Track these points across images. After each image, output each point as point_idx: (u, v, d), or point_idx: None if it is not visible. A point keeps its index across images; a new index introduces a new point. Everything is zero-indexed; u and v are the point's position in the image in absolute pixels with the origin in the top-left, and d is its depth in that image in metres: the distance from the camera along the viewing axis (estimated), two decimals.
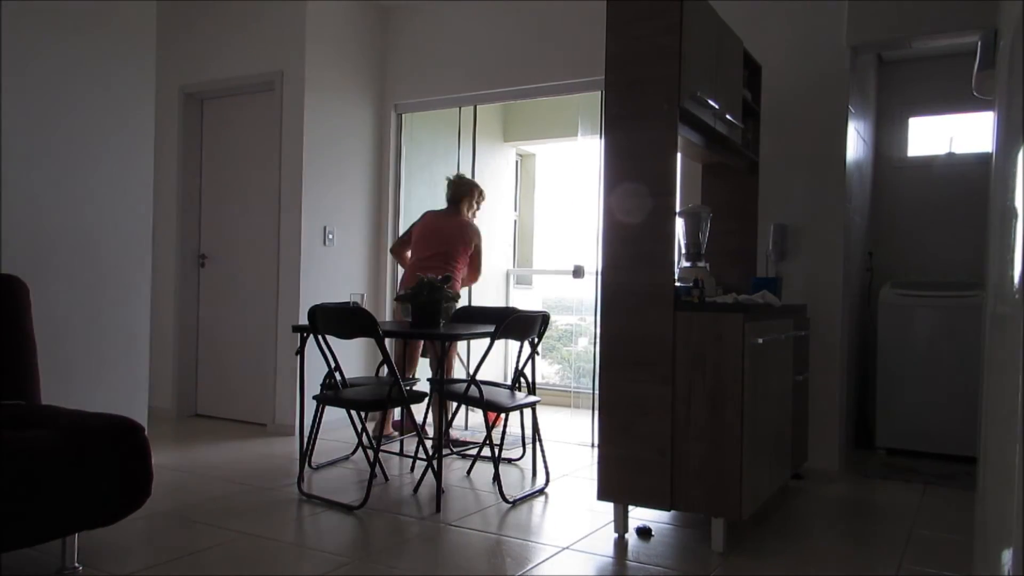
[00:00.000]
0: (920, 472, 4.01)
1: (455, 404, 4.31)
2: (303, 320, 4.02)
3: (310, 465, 3.78)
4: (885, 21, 3.84)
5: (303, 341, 3.44)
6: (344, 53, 5.05)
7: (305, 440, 3.56)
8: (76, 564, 2.39)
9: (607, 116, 2.92)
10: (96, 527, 2.32)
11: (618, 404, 2.85)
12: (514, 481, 3.71)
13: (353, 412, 3.69)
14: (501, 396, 3.58)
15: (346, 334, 3.30)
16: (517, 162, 7.04)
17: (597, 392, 3.09)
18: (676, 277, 2.84)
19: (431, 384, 3.71)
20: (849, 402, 4.24)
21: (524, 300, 6.71)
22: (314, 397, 3.45)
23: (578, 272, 5.05)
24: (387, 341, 3.96)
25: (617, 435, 2.85)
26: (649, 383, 2.79)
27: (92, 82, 3.36)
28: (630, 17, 2.85)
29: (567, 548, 2.76)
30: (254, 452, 4.21)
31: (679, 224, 3.30)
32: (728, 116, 3.26)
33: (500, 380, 5.43)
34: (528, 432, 4.35)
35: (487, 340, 3.34)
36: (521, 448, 4.21)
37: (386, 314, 5.34)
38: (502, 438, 4.08)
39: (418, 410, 4.17)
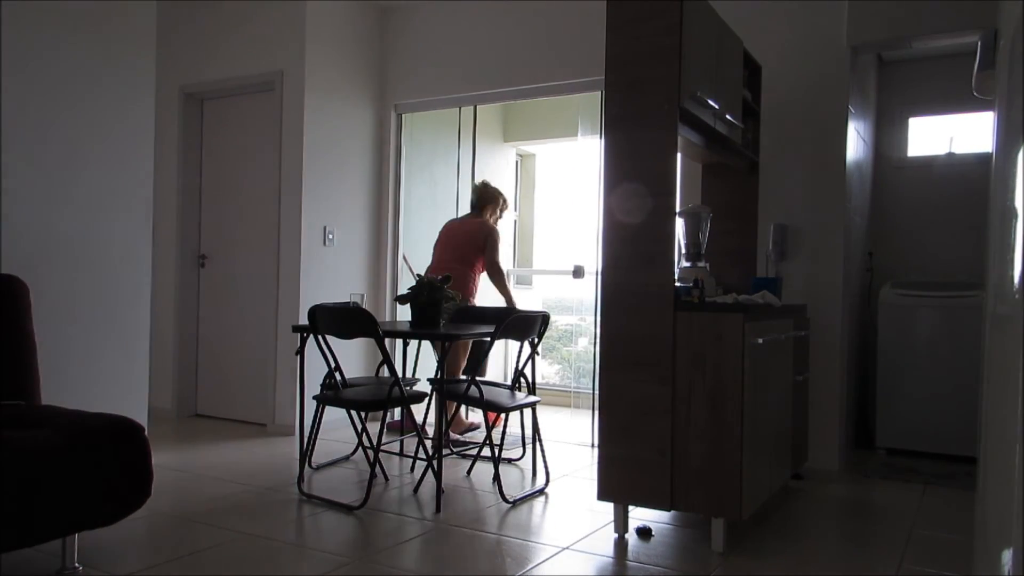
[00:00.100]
0: (920, 472, 4.01)
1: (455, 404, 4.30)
2: (303, 320, 4.02)
3: (310, 465, 3.78)
4: (885, 21, 3.84)
5: (303, 341, 3.44)
6: (344, 53, 5.05)
7: (305, 440, 3.56)
8: (76, 564, 2.39)
9: (607, 116, 2.92)
10: (96, 527, 2.32)
11: (618, 404, 2.85)
12: (514, 481, 3.71)
13: (353, 412, 3.69)
14: (501, 396, 3.58)
15: (346, 334, 3.30)
16: (517, 162, 7.04)
17: (597, 392, 3.10)
18: (676, 277, 2.84)
19: (432, 384, 3.71)
20: (849, 402, 4.24)
21: (524, 300, 6.71)
22: (314, 397, 3.45)
23: (578, 272, 5.05)
24: (388, 341, 3.96)
25: (617, 435, 2.85)
26: (649, 383, 2.79)
27: (92, 82, 3.36)
28: (630, 17, 2.85)
29: (567, 548, 2.76)
30: (254, 452, 4.21)
31: (679, 224, 3.30)
32: (728, 116, 3.26)
33: (500, 380, 5.43)
34: (528, 432, 4.36)
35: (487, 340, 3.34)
36: (521, 448, 4.21)
37: (386, 314, 5.34)
38: (502, 438, 4.08)
39: (418, 410, 4.17)
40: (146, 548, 2.68)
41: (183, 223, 5.18)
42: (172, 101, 5.19)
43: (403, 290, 5.18)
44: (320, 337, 3.31)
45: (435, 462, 3.35)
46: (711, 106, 3.05)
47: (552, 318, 4.36)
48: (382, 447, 3.59)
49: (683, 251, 3.42)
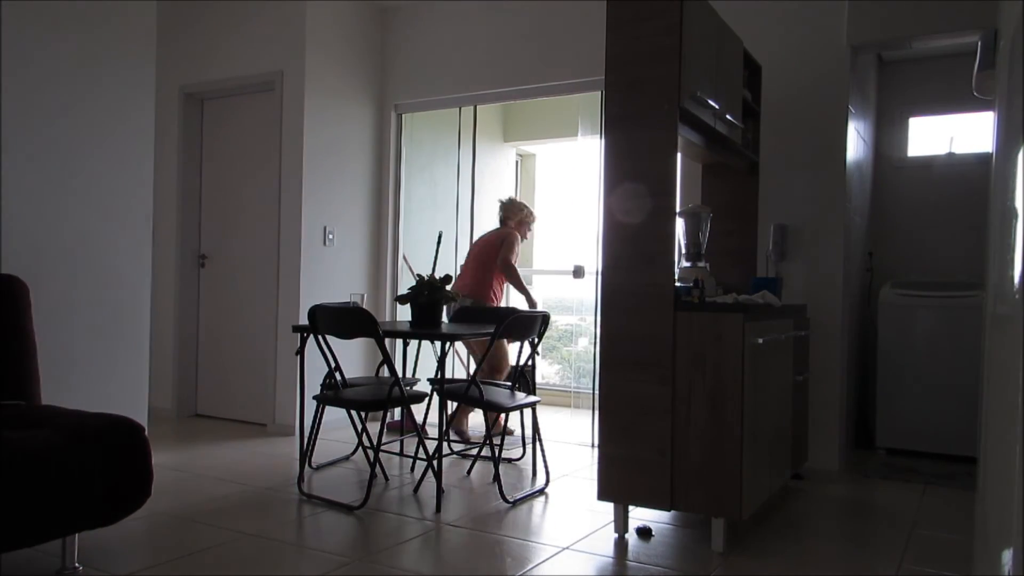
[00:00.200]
0: (920, 472, 4.01)
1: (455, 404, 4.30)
2: (303, 320, 4.02)
3: (310, 465, 3.78)
4: (885, 21, 3.84)
5: (303, 341, 3.44)
6: (344, 53, 5.05)
7: (305, 440, 3.56)
8: (76, 564, 2.39)
9: (607, 116, 2.92)
10: (96, 527, 2.32)
11: (618, 404, 2.85)
12: (514, 481, 3.71)
13: (353, 412, 3.69)
14: (501, 396, 3.58)
15: (346, 334, 3.30)
16: (517, 162, 7.04)
17: (597, 392, 3.09)
18: (676, 277, 2.84)
19: (432, 384, 3.71)
20: (849, 402, 4.24)
21: (524, 300, 6.69)
22: (314, 397, 3.45)
23: (578, 272, 5.05)
24: (388, 341, 3.96)
25: (617, 435, 2.85)
26: (649, 383, 2.79)
27: (92, 82, 3.36)
28: (630, 17, 2.85)
29: (567, 548, 2.76)
30: (254, 452, 4.21)
31: (679, 224, 3.30)
32: (728, 116, 3.26)
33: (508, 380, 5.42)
34: (528, 432, 4.35)
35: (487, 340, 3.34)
36: (521, 448, 4.21)
37: (386, 314, 5.34)
38: (502, 438, 4.09)
39: (418, 410, 4.16)
40: (146, 548, 2.68)
41: (183, 223, 5.18)
42: (172, 101, 5.19)
43: (403, 290, 5.18)
44: (320, 337, 3.31)
45: (435, 462, 3.35)
46: (711, 106, 3.04)
47: (552, 318, 4.36)
48: (382, 447, 3.59)
49: (683, 251, 3.42)
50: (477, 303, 4.46)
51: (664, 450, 2.76)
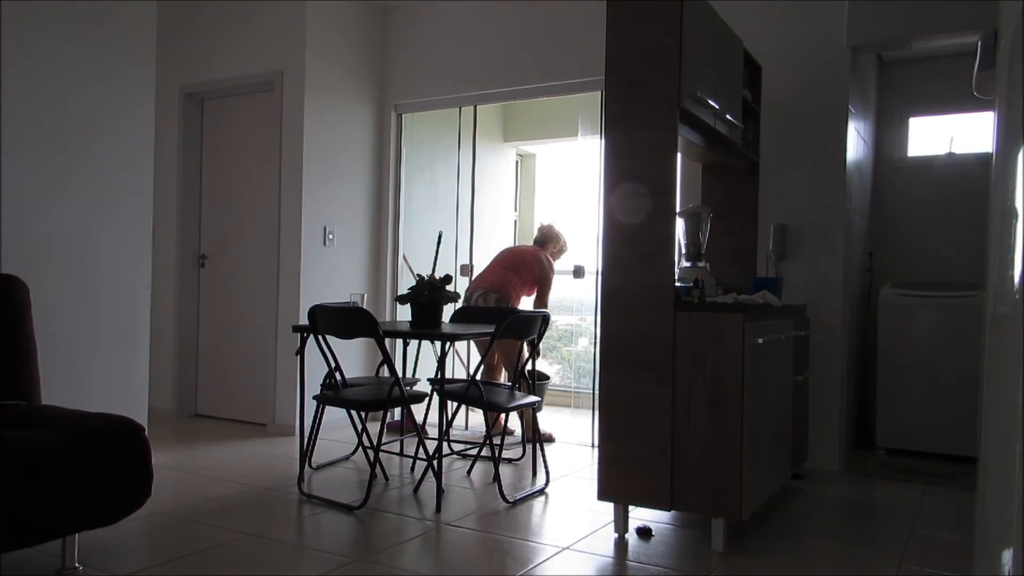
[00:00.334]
0: (920, 472, 4.01)
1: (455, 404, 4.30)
2: (303, 320, 4.02)
3: (310, 465, 3.78)
4: (885, 21, 3.84)
5: (303, 341, 3.44)
6: (344, 53, 5.05)
7: (305, 440, 3.56)
8: (76, 564, 2.39)
9: (607, 116, 2.92)
10: (96, 527, 2.32)
11: (618, 404, 2.85)
12: (514, 481, 3.71)
13: (353, 412, 3.69)
14: (501, 396, 3.58)
15: (346, 334, 3.30)
16: (517, 162, 7.04)
17: (597, 392, 3.09)
18: (676, 277, 2.84)
19: (432, 384, 3.71)
20: (849, 402, 4.24)
21: (524, 300, 6.70)
22: (314, 397, 3.45)
23: (578, 272, 5.05)
24: (388, 341, 3.96)
25: (617, 435, 2.85)
26: (649, 383, 2.79)
27: (92, 82, 3.36)
28: (630, 17, 2.85)
29: (567, 548, 2.76)
30: (254, 452, 4.21)
31: (679, 224, 3.30)
32: (728, 116, 3.26)
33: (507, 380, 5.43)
34: (528, 432, 4.35)
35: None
36: (521, 448, 4.21)
37: (386, 314, 5.34)
38: (502, 438, 4.09)
39: (418, 410, 4.16)
40: (146, 548, 2.69)
41: (183, 223, 5.18)
42: (172, 101, 5.19)
43: (403, 290, 5.18)
44: (320, 337, 3.31)
45: (435, 462, 3.35)
46: (711, 106, 3.04)
47: (552, 318, 4.36)
48: (382, 447, 3.59)
49: (683, 251, 3.42)
50: (501, 300, 4.46)
51: (664, 450, 2.76)
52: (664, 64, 2.78)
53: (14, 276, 2.82)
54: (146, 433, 2.43)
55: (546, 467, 3.69)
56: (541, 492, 3.52)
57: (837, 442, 3.95)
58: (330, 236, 4.93)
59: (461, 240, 5.43)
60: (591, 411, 4.72)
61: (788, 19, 4.08)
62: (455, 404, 4.04)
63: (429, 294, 3.45)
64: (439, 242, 5.05)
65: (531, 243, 4.94)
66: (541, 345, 3.81)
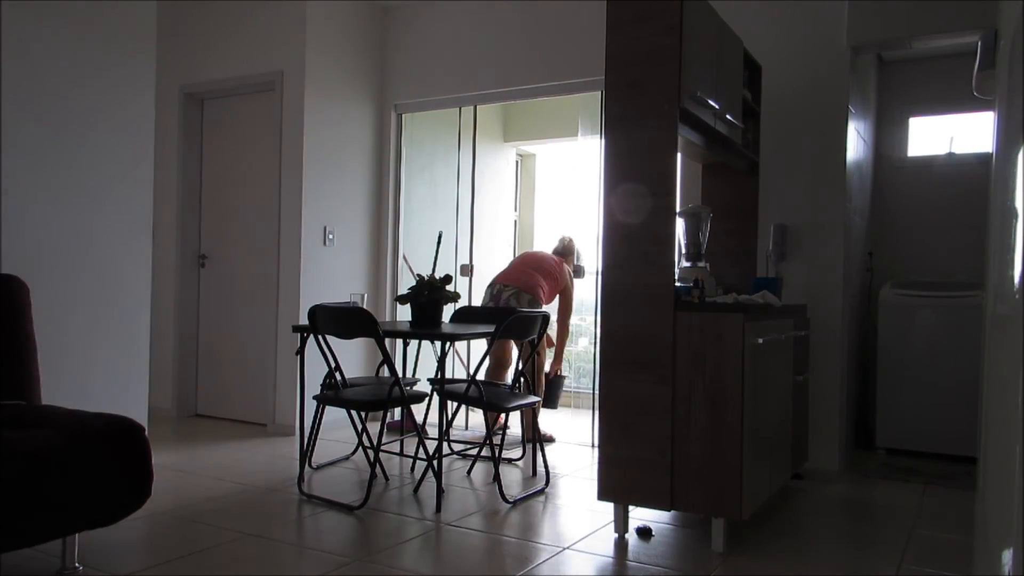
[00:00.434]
0: (920, 472, 4.01)
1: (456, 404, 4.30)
2: (303, 320, 4.02)
3: (310, 465, 3.78)
4: (885, 21, 3.84)
5: (303, 341, 3.44)
6: (344, 53, 5.05)
7: (305, 440, 3.56)
8: (76, 564, 2.39)
9: (607, 116, 2.92)
10: (96, 527, 2.32)
11: (618, 404, 2.85)
12: (514, 481, 3.71)
13: (353, 412, 3.69)
14: (501, 396, 3.58)
15: (346, 334, 3.30)
16: (517, 162, 7.04)
17: (597, 392, 3.09)
18: (676, 277, 2.84)
19: (432, 384, 3.71)
20: (849, 402, 4.24)
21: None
22: (314, 397, 3.45)
23: (578, 272, 5.05)
24: (388, 341, 3.97)
25: (617, 435, 2.85)
26: (649, 383, 2.79)
27: (92, 81, 3.35)
28: (630, 17, 2.85)
29: (567, 548, 2.76)
30: (254, 452, 4.21)
31: (679, 224, 3.30)
32: (728, 116, 3.26)
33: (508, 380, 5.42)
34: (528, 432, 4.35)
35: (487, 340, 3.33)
36: (521, 448, 4.21)
37: (386, 314, 5.34)
38: (502, 438, 4.09)
39: (418, 410, 4.17)
40: (146, 548, 2.69)
41: (183, 223, 5.18)
42: (172, 101, 5.19)
43: (403, 290, 5.19)
44: (320, 337, 3.31)
45: (435, 462, 3.35)
46: (711, 106, 3.04)
47: (552, 318, 4.36)
48: (382, 447, 3.59)
49: (683, 251, 3.42)
50: (533, 303, 4.47)
51: (664, 450, 2.76)
52: (664, 64, 2.78)
53: (14, 276, 2.82)
54: (146, 433, 2.43)
55: (546, 467, 3.69)
56: (541, 492, 3.52)
57: (837, 442, 3.95)
58: (330, 236, 4.93)
59: (461, 240, 5.43)
60: (591, 411, 4.72)
61: (788, 19, 4.08)
62: (455, 404, 4.05)
63: (429, 294, 3.45)
64: (439, 242, 5.05)
65: (549, 251, 4.99)
66: (544, 344, 3.82)
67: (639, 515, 3.14)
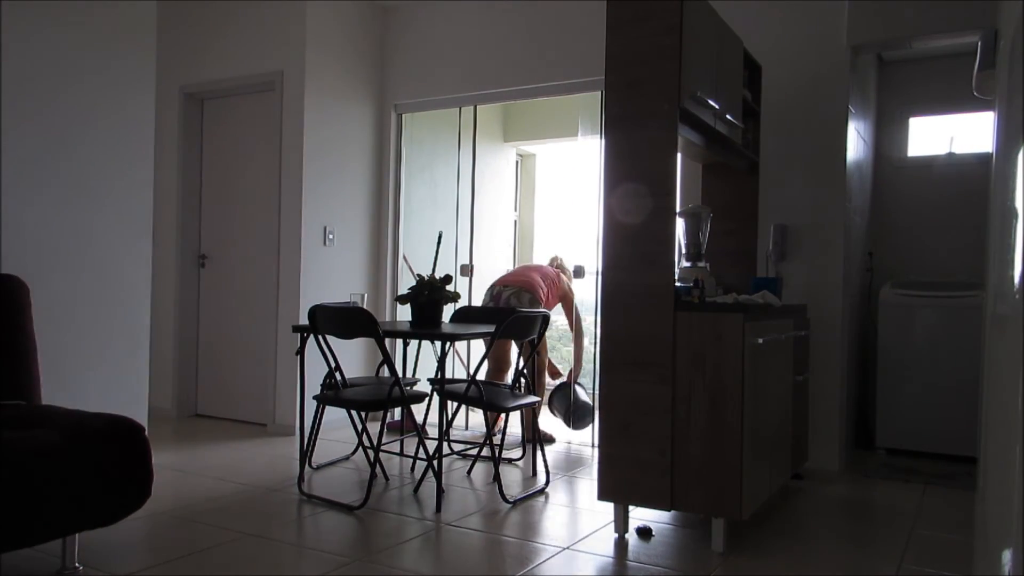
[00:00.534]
0: (920, 472, 4.01)
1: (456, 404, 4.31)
2: (303, 320, 4.02)
3: (310, 465, 3.78)
4: (885, 21, 3.84)
5: (303, 341, 3.44)
6: (344, 53, 5.05)
7: (305, 440, 3.56)
8: (76, 564, 2.40)
9: (607, 116, 2.92)
10: (96, 527, 2.32)
11: (618, 404, 2.85)
12: (514, 481, 3.71)
13: (353, 412, 3.69)
14: (501, 396, 3.58)
15: (346, 334, 3.30)
16: (517, 162, 7.04)
17: (597, 392, 3.09)
18: (676, 277, 2.84)
19: (432, 384, 3.71)
20: (849, 402, 4.24)
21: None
22: (314, 397, 3.45)
23: (578, 272, 5.05)
24: (388, 341, 3.97)
25: (617, 435, 2.85)
26: (649, 383, 2.79)
27: (92, 81, 3.35)
28: (630, 17, 2.85)
29: (567, 548, 2.76)
30: (254, 452, 4.21)
31: (679, 224, 3.30)
32: (728, 116, 3.26)
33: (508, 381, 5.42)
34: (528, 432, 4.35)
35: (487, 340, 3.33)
36: (521, 448, 4.21)
37: (386, 314, 5.34)
38: (502, 438, 4.09)
39: (418, 410, 4.17)
40: (146, 548, 2.69)
41: (183, 223, 5.18)
42: (172, 101, 5.19)
43: (403, 290, 5.19)
44: (320, 337, 3.31)
45: (435, 462, 3.35)
46: (711, 106, 3.04)
47: (552, 318, 4.36)
48: (382, 447, 3.59)
49: (683, 251, 3.42)
50: (534, 302, 4.54)
51: (664, 450, 2.76)
52: (664, 64, 2.78)
53: (14, 276, 2.82)
54: (146, 433, 2.43)
55: (546, 467, 3.69)
56: (541, 492, 3.52)
57: (837, 442, 3.95)
58: (330, 236, 4.93)
59: (461, 240, 5.42)
60: (589, 427, 4.71)
61: (788, 19, 4.08)
62: (455, 404, 4.05)
63: (429, 294, 3.45)
64: (439, 242, 5.05)
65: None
66: (544, 344, 3.82)
67: (639, 515, 3.14)
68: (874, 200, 5.00)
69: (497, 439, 3.98)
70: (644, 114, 2.82)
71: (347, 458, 4.06)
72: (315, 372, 3.69)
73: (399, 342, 4.84)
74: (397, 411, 4.57)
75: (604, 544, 2.82)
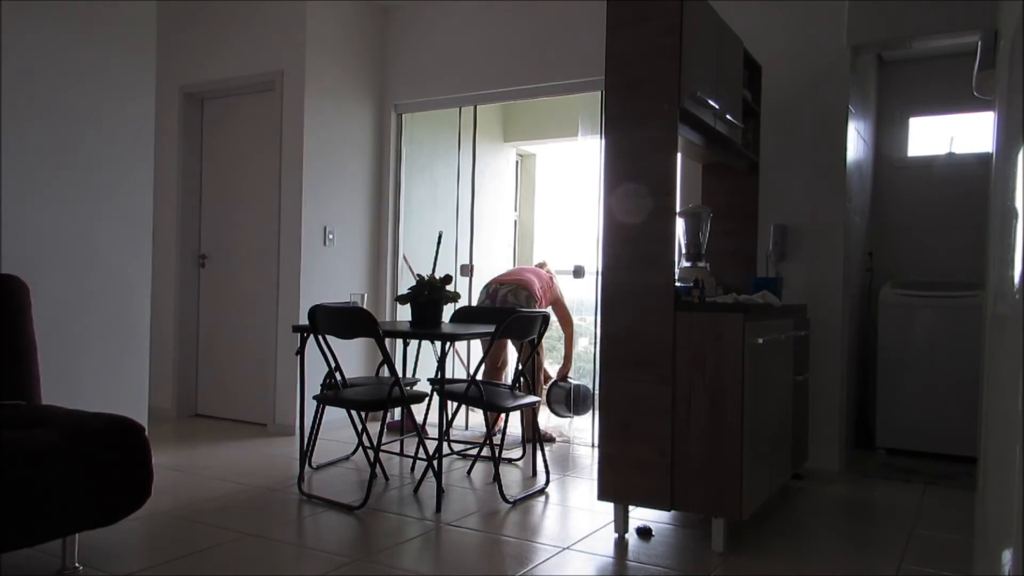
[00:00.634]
0: (920, 472, 4.01)
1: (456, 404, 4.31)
2: (303, 320, 4.02)
3: (310, 465, 3.78)
4: (885, 21, 3.84)
5: (303, 341, 3.44)
6: (344, 53, 5.05)
7: (305, 440, 3.56)
8: (76, 564, 2.39)
9: (607, 116, 2.92)
10: (96, 527, 2.32)
11: (618, 404, 2.85)
12: (514, 481, 3.71)
13: (353, 412, 3.69)
14: (501, 396, 3.58)
15: (346, 334, 3.30)
16: (517, 162, 7.04)
17: (597, 392, 3.09)
18: (676, 277, 2.84)
19: (432, 384, 3.71)
20: (849, 402, 4.24)
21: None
22: (314, 397, 3.45)
23: (578, 272, 5.05)
24: (388, 341, 3.96)
25: (617, 435, 2.85)
26: (649, 383, 2.79)
27: (92, 81, 3.35)
28: (630, 17, 2.85)
29: (567, 548, 2.76)
30: (254, 452, 4.21)
31: (679, 224, 3.30)
32: (728, 116, 3.26)
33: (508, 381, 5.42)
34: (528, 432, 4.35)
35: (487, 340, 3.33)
36: (521, 448, 4.21)
37: (386, 314, 5.34)
38: (502, 438, 4.09)
39: (418, 410, 4.17)
40: (146, 548, 2.69)
41: (183, 223, 5.18)
42: (172, 101, 5.19)
43: (403, 290, 5.19)
44: (320, 337, 3.31)
45: (435, 462, 3.35)
46: (711, 106, 3.04)
47: (552, 318, 4.36)
48: (382, 447, 3.59)
49: (683, 251, 3.42)
50: (531, 299, 4.56)
51: (664, 450, 2.76)
52: (664, 64, 2.78)
53: (14, 276, 2.82)
54: (146, 433, 2.43)
55: (546, 467, 3.69)
56: (541, 492, 3.52)
57: (837, 442, 3.95)
58: (330, 236, 4.93)
59: (461, 240, 5.43)
60: (591, 411, 4.72)
61: (788, 19, 4.08)
62: (455, 404, 4.05)
63: (429, 294, 3.45)
64: (439, 242, 5.05)
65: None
66: (542, 344, 3.82)
67: (639, 515, 3.14)
68: (874, 200, 5.00)
69: (497, 439, 3.98)
70: (644, 114, 2.82)
71: (347, 458, 4.06)
72: (315, 372, 3.69)
73: (399, 342, 4.84)
74: (397, 411, 4.56)
75: (604, 544, 2.82)
